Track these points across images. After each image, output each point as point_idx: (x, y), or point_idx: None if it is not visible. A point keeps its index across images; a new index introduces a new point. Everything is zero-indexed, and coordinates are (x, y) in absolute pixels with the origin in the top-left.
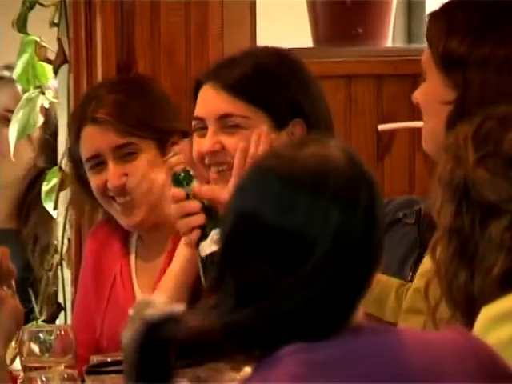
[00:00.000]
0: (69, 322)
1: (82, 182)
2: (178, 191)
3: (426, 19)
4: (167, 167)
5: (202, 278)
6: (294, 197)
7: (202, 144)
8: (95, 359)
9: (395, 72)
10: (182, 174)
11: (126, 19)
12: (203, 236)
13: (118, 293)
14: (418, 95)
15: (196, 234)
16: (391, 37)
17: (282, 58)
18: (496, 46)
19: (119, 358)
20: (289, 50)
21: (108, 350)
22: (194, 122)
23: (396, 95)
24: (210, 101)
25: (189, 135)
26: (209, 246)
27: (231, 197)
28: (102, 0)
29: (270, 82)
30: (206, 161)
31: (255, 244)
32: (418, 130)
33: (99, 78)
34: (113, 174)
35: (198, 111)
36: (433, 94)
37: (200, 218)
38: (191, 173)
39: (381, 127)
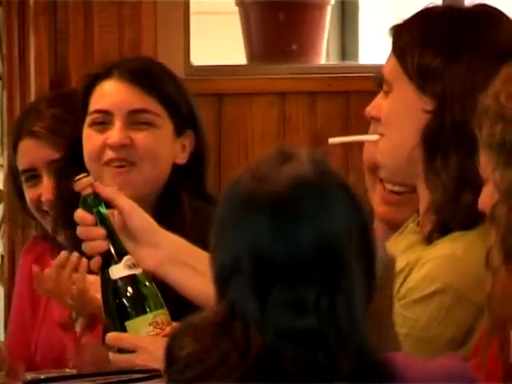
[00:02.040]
0: (1, 338)
1: (18, 194)
2: (85, 215)
3: (391, 31)
4: (76, 188)
5: (111, 299)
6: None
7: (107, 136)
8: (29, 376)
9: (329, 89)
10: (91, 197)
11: (60, 35)
12: (110, 260)
13: (53, 309)
14: (377, 108)
15: (98, 260)
16: (325, 54)
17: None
18: (473, 56)
19: (53, 374)
20: None
21: (42, 367)
22: (93, 116)
23: (330, 112)
24: (121, 94)
25: None
26: (122, 270)
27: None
28: (35, 15)
29: (176, 87)
30: (110, 155)
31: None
32: (351, 147)
33: (32, 94)
34: (47, 188)
35: (103, 104)
36: (403, 105)
37: (103, 245)
38: (99, 196)
39: (331, 140)
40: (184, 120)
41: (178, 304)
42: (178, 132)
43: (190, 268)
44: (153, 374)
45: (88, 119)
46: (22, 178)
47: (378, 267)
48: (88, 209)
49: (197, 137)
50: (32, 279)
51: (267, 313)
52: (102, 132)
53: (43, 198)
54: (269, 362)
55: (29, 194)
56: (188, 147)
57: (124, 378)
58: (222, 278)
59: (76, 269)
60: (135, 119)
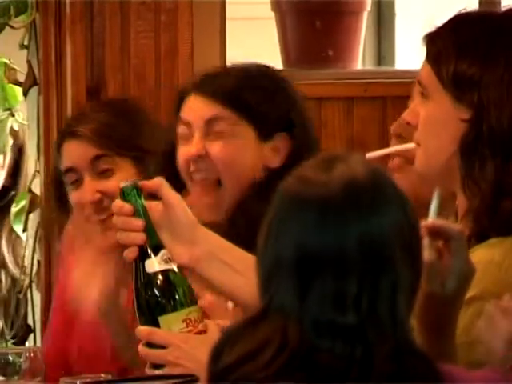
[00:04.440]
0: (38, 343)
1: (59, 198)
2: (123, 204)
3: (424, 38)
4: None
5: (144, 293)
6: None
7: (188, 150)
8: (64, 382)
9: (365, 94)
10: (130, 188)
11: (96, 41)
12: (146, 253)
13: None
14: (414, 115)
15: (134, 250)
16: (361, 59)
17: (269, 72)
18: (509, 63)
19: (88, 380)
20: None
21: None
22: (180, 129)
23: (366, 117)
24: (198, 106)
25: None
26: (158, 264)
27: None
28: (72, 22)
29: (257, 92)
30: (191, 168)
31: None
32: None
33: (69, 100)
34: (86, 189)
35: (185, 116)
36: (440, 114)
37: (141, 237)
38: (139, 186)
39: (369, 155)
40: (271, 123)
41: None
42: (265, 136)
43: (227, 266)
44: (188, 379)
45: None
46: (66, 181)
47: (459, 279)
48: (127, 200)
49: (293, 137)
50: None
51: (306, 307)
52: (186, 145)
53: (83, 200)
54: (305, 355)
55: (73, 197)
56: (282, 150)
57: (159, 383)
58: (266, 277)
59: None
60: (211, 129)
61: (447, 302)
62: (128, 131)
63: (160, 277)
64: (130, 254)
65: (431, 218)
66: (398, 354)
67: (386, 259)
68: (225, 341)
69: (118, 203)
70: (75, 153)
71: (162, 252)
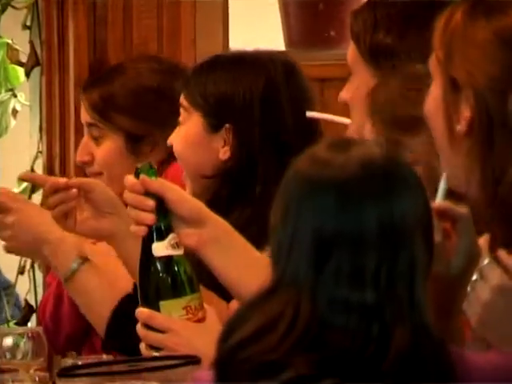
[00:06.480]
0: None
1: None
2: (136, 182)
3: (350, 17)
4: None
5: (149, 275)
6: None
7: None
8: (68, 362)
9: None
10: (146, 167)
11: (99, 22)
12: (154, 235)
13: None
14: (344, 94)
15: (144, 230)
16: None
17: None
18: (420, 36)
19: (91, 361)
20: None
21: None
22: None
23: None
24: None
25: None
26: (165, 248)
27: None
28: (74, 2)
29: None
30: None
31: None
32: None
33: (71, 80)
34: (80, 147)
35: None
36: (362, 87)
37: (151, 218)
38: (154, 168)
39: (309, 114)
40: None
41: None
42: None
43: (232, 252)
44: (189, 360)
45: None
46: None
47: (465, 260)
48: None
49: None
50: None
51: (321, 281)
52: None
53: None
54: (318, 332)
55: None
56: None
57: (160, 363)
58: (280, 250)
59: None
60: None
61: (453, 283)
62: (127, 105)
63: (165, 262)
64: (139, 231)
65: (438, 200)
66: (415, 335)
67: (404, 240)
68: (235, 318)
69: (131, 180)
70: (82, 110)
71: (171, 236)
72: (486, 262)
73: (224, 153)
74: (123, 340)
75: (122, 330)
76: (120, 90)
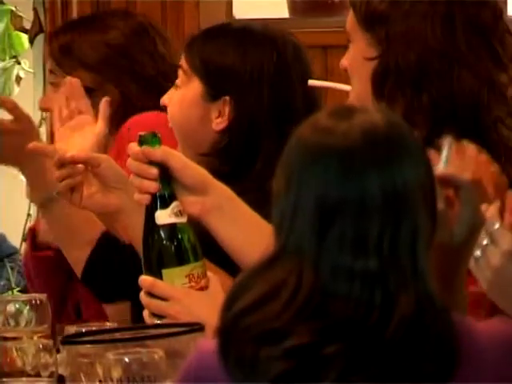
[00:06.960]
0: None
1: None
2: (139, 149)
3: None
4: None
5: (152, 243)
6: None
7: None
8: (72, 329)
9: None
10: (150, 136)
11: None
12: (157, 203)
13: None
14: (344, 61)
15: (147, 198)
16: None
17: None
18: (416, 2)
19: (94, 328)
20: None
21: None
22: None
23: None
24: None
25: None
26: (168, 216)
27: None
28: None
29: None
30: None
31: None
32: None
33: None
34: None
35: None
36: (358, 55)
37: (154, 186)
38: (158, 136)
39: (311, 82)
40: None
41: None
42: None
43: (235, 220)
44: (194, 327)
45: None
46: None
47: (468, 228)
48: (144, 145)
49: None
50: None
51: (324, 249)
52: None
53: None
54: (321, 300)
55: None
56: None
57: (164, 331)
58: (283, 218)
59: None
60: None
61: (455, 251)
62: (84, 57)
63: (168, 230)
64: (142, 199)
65: (441, 167)
66: (419, 303)
67: (407, 207)
68: (238, 286)
69: (134, 147)
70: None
71: (174, 204)
72: (496, 226)
73: (217, 124)
74: (100, 284)
75: (99, 277)
76: (81, 41)
